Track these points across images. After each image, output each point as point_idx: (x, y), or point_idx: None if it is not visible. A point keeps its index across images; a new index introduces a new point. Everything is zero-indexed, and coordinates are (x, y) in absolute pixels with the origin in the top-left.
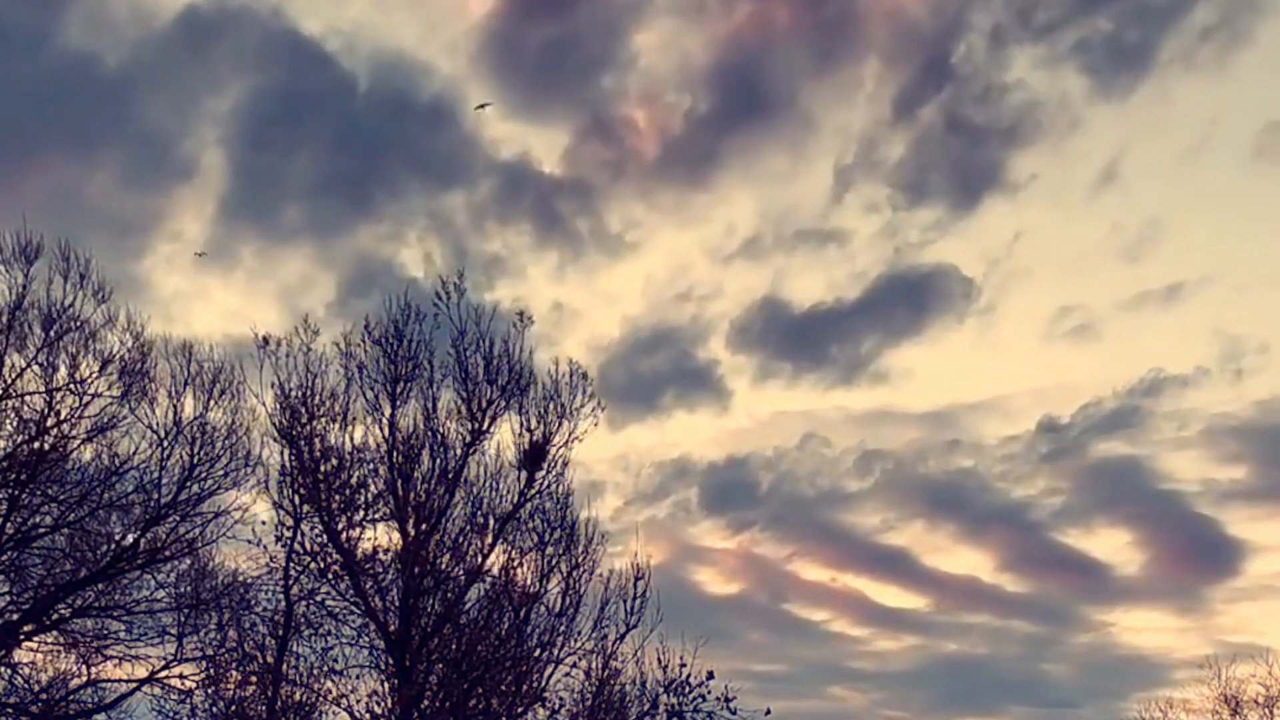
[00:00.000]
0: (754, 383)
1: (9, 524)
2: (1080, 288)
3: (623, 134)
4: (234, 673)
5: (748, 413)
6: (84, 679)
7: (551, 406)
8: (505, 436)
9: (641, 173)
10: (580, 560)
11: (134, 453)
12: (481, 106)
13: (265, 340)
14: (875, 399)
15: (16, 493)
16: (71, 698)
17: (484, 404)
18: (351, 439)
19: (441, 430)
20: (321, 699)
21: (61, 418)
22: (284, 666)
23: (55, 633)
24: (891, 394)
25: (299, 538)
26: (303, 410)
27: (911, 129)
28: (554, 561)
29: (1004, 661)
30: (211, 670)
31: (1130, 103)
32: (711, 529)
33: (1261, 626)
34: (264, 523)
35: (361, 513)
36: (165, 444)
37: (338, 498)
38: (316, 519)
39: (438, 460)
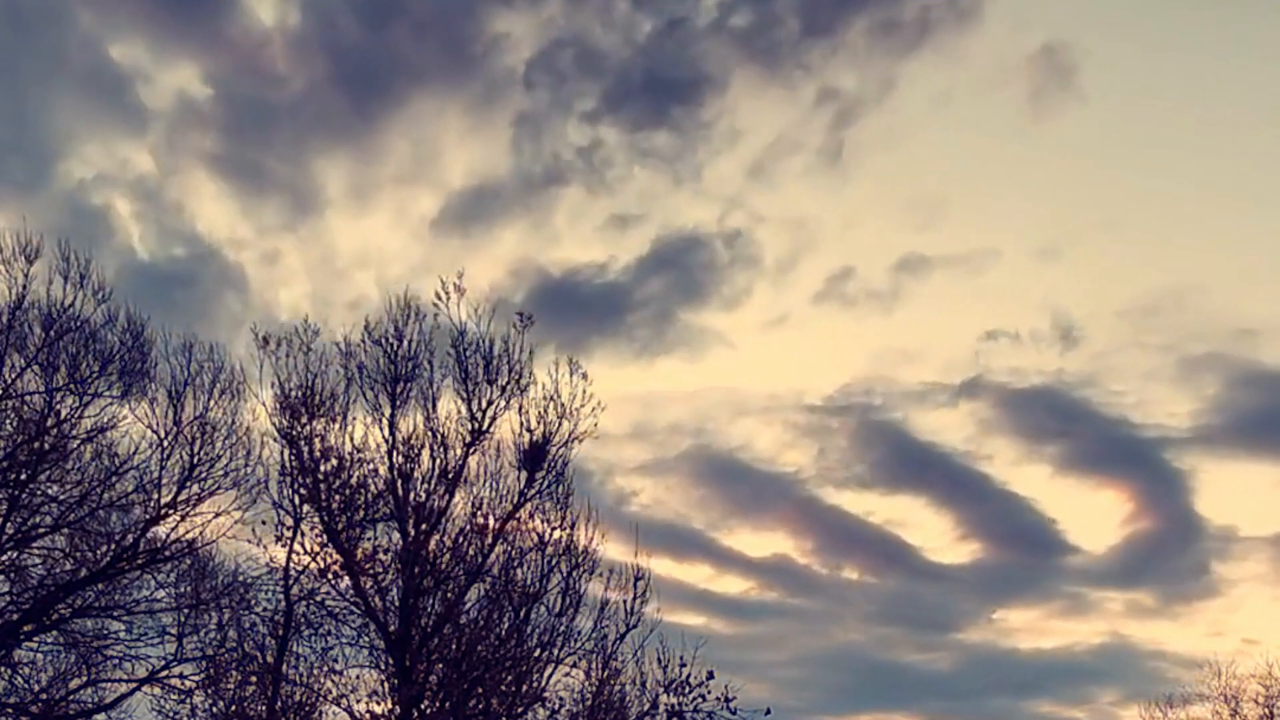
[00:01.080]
0: None
1: (9, 524)
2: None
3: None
4: (234, 673)
5: None
6: (84, 679)
7: (551, 406)
8: (505, 436)
9: None
10: (580, 560)
11: (134, 453)
12: None
13: (265, 340)
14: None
15: (16, 493)
16: (71, 698)
17: (484, 404)
18: (351, 439)
19: (441, 430)
20: (321, 699)
21: (61, 418)
22: (284, 666)
23: (55, 633)
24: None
25: (299, 538)
26: (303, 410)
27: None
28: (554, 561)
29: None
30: (211, 670)
31: None
32: None
33: None
34: (264, 523)
35: (361, 513)
36: (165, 444)
37: (338, 498)
38: (316, 519)
39: (438, 460)
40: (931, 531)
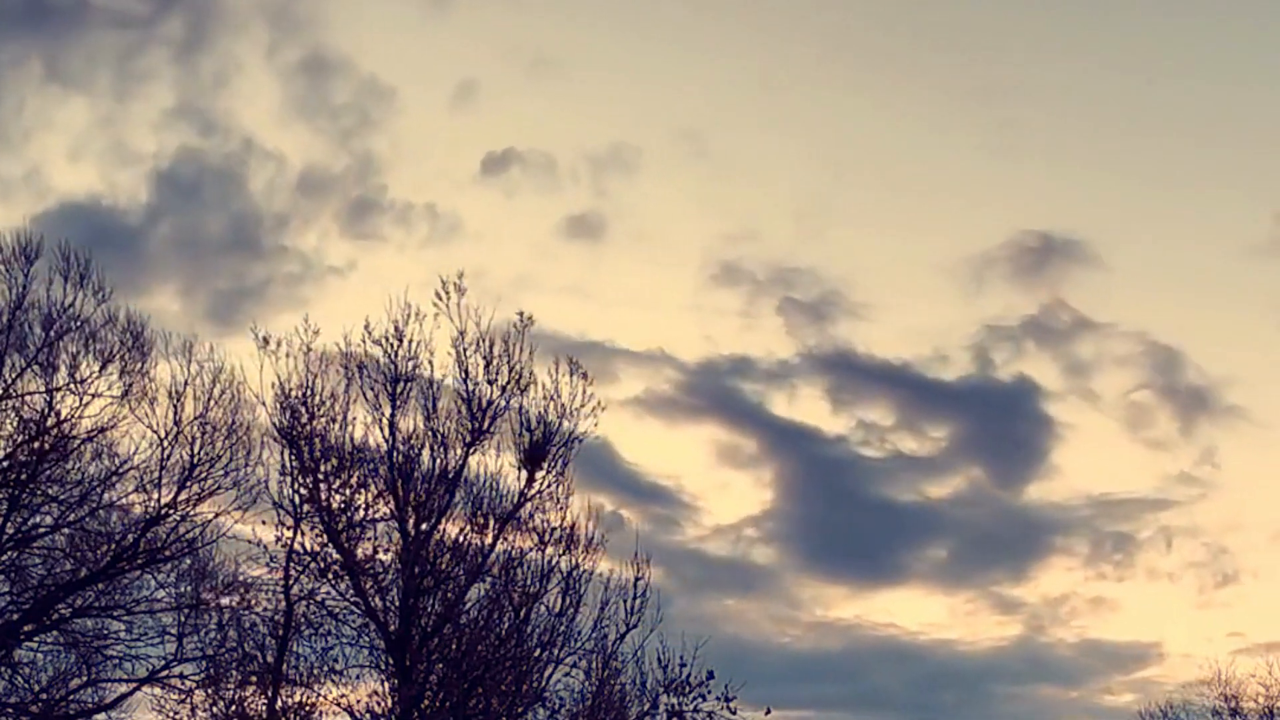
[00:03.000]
0: None
1: (9, 524)
2: None
3: None
4: (234, 673)
5: None
6: (84, 679)
7: (551, 406)
8: (505, 436)
9: None
10: (580, 560)
11: (134, 453)
12: None
13: (265, 340)
14: None
15: (16, 493)
16: (71, 698)
17: (484, 404)
18: (351, 439)
19: (441, 430)
20: (321, 699)
21: (61, 418)
22: (284, 666)
23: (55, 633)
24: None
25: (299, 538)
26: (303, 410)
27: None
28: (554, 561)
29: None
30: (211, 670)
31: None
32: None
33: None
34: (264, 522)
35: (361, 513)
36: (165, 444)
37: (338, 498)
38: (316, 519)
39: (438, 460)
40: None
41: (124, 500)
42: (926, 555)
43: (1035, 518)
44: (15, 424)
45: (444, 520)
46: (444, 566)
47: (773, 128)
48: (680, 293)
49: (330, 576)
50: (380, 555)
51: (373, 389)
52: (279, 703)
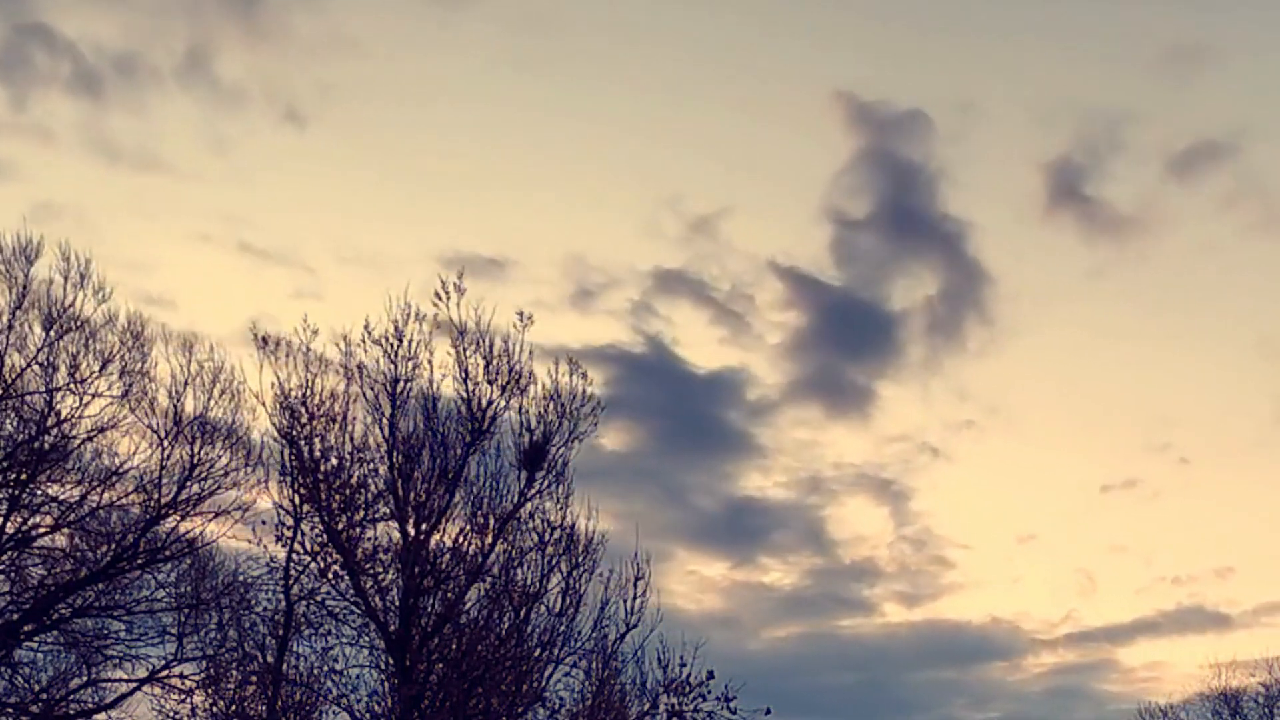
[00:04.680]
0: None
1: (9, 524)
2: None
3: None
4: (234, 673)
5: None
6: (84, 679)
7: (551, 406)
8: (505, 436)
9: None
10: (580, 560)
11: (134, 453)
12: None
13: (265, 340)
14: None
15: (16, 493)
16: (71, 698)
17: (484, 404)
18: (351, 439)
19: (441, 430)
20: (321, 699)
21: (61, 418)
22: (284, 666)
23: (55, 633)
24: None
25: (299, 538)
26: (303, 410)
27: None
28: (554, 561)
29: None
30: (211, 670)
31: None
32: None
33: None
34: (264, 523)
35: (361, 512)
36: (165, 444)
37: (338, 497)
38: (316, 519)
39: (438, 460)
40: None
41: (124, 500)
42: None
43: None
44: (15, 424)
45: (444, 520)
46: (444, 566)
47: None
48: None
49: (330, 576)
50: (380, 555)
51: (372, 389)
52: (279, 703)
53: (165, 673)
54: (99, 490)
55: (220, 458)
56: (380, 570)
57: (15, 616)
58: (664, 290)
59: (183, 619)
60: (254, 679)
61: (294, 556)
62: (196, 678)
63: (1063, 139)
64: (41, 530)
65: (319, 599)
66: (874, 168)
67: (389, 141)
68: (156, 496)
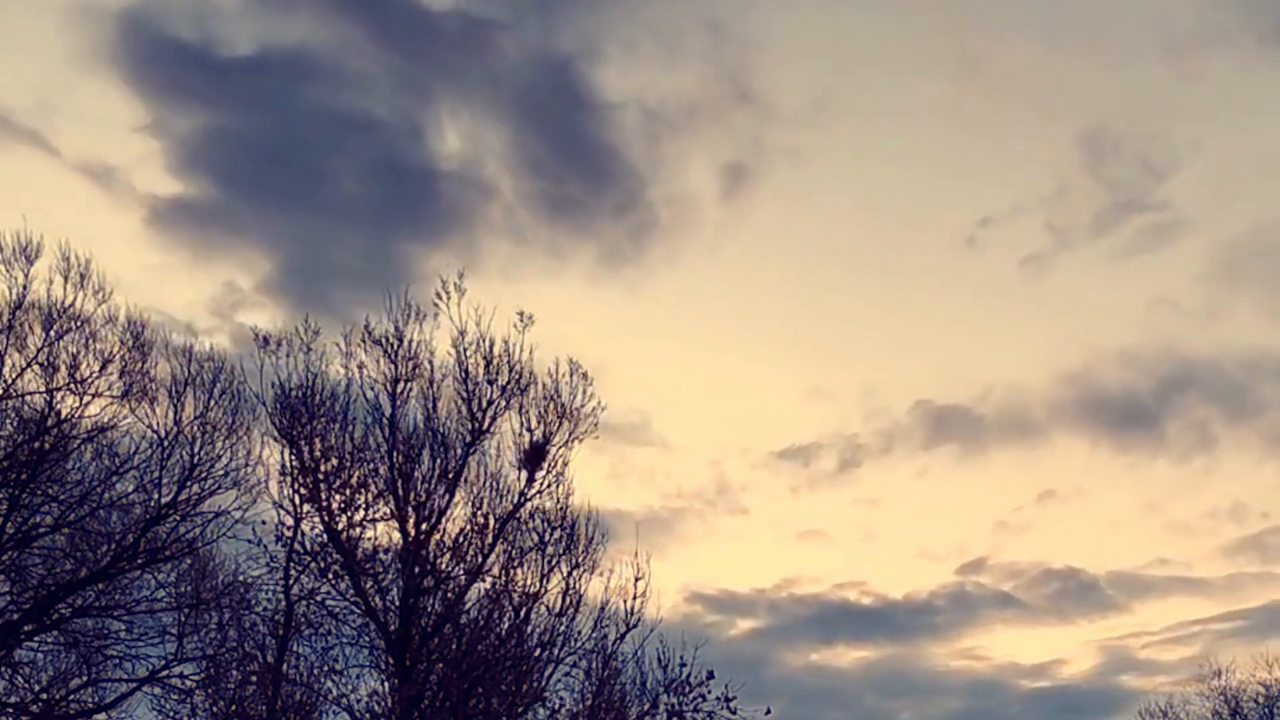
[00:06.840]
0: None
1: (9, 524)
2: None
3: None
4: (234, 672)
5: None
6: (84, 679)
7: (551, 406)
8: (505, 436)
9: None
10: (580, 560)
11: (134, 453)
12: None
13: (265, 340)
14: None
15: (16, 493)
16: (71, 698)
17: (484, 404)
18: (351, 439)
19: (441, 430)
20: (321, 699)
21: (61, 418)
22: (284, 666)
23: (55, 633)
24: None
25: (299, 538)
26: (303, 410)
27: None
28: (554, 561)
29: None
30: (211, 670)
31: None
32: None
33: None
34: (264, 523)
35: (361, 513)
36: (165, 444)
37: (338, 498)
38: (317, 519)
39: (438, 460)
40: None
41: (124, 500)
42: None
43: None
44: (15, 424)
45: (444, 520)
46: (444, 566)
47: None
48: None
49: (330, 576)
50: (380, 555)
51: (372, 389)
52: (279, 702)
53: (165, 673)
54: (99, 490)
55: (220, 457)
56: (380, 570)
57: (15, 616)
58: None
59: (183, 619)
60: (254, 679)
61: (294, 556)
62: (196, 678)
63: None
64: (41, 530)
65: (319, 599)
66: None
67: None
68: (156, 496)
